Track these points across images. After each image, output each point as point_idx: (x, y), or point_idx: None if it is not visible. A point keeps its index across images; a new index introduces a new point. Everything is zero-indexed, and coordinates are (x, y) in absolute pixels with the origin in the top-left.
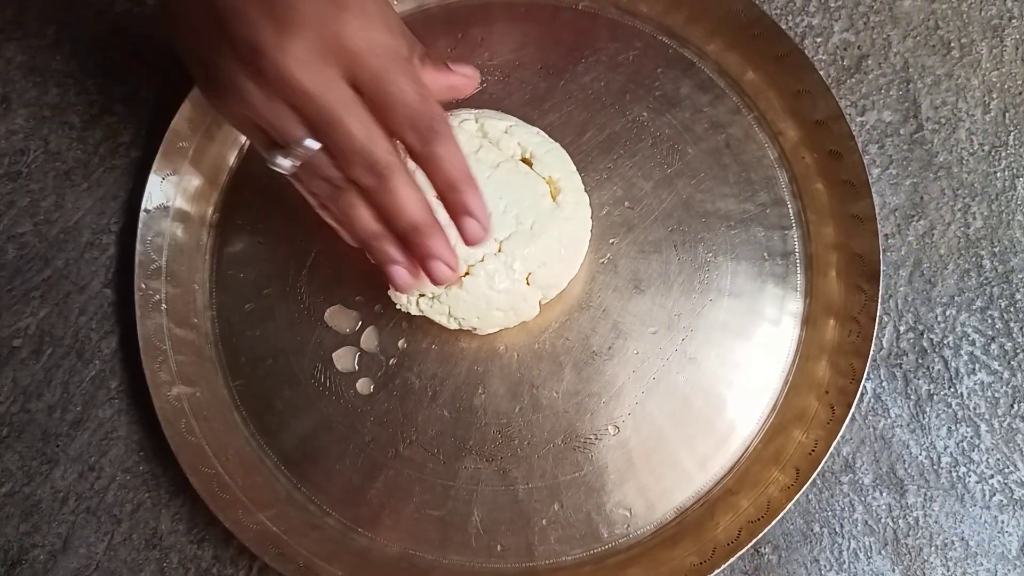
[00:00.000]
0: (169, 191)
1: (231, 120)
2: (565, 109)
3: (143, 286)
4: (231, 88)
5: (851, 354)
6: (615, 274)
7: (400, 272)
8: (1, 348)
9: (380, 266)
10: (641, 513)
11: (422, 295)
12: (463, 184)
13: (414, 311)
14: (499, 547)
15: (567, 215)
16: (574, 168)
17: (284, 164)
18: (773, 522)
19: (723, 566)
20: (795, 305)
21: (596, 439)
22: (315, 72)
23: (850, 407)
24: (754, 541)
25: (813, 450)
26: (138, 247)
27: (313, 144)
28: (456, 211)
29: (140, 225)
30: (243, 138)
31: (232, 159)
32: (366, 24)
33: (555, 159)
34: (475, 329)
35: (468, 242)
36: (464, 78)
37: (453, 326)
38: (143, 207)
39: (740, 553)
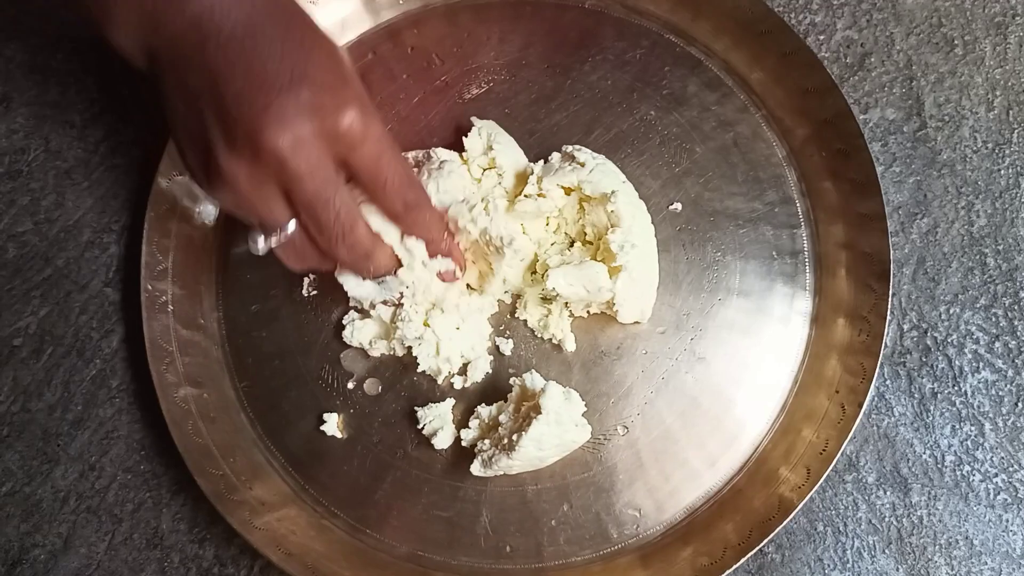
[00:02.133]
0: (174, 192)
1: (224, 205)
2: (572, 108)
3: (149, 287)
4: (223, 175)
5: (861, 353)
6: None
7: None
8: (1, 347)
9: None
10: (651, 513)
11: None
12: (439, 236)
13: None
14: (508, 548)
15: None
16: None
17: (259, 247)
18: (785, 522)
19: (734, 567)
20: (804, 304)
21: (605, 439)
22: (309, 155)
23: (861, 406)
24: (765, 541)
25: (824, 449)
26: (144, 248)
27: (291, 226)
28: (434, 254)
29: (145, 226)
30: None
31: None
32: (363, 113)
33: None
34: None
35: (443, 278)
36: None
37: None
38: (149, 208)
39: (751, 554)
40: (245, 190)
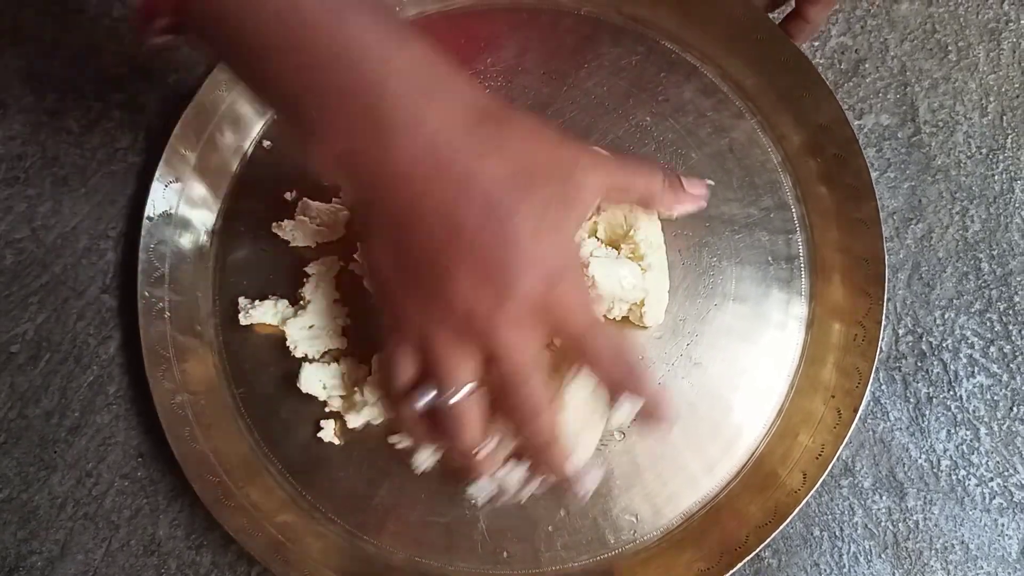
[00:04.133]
0: (172, 199)
1: (395, 357)
2: (568, 115)
3: (146, 294)
4: (419, 335)
5: (857, 357)
6: None
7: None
8: None
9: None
10: (647, 519)
11: None
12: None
13: None
14: (505, 553)
15: None
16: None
17: (421, 403)
18: (781, 527)
19: (730, 572)
20: (800, 309)
21: (602, 444)
22: (521, 330)
23: (857, 411)
24: (762, 546)
25: (820, 454)
26: (141, 255)
27: (467, 389)
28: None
29: (143, 233)
30: (246, 144)
31: (235, 166)
32: (571, 291)
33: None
34: None
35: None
36: (694, 198)
37: None
38: (146, 215)
39: (747, 559)
40: (445, 355)
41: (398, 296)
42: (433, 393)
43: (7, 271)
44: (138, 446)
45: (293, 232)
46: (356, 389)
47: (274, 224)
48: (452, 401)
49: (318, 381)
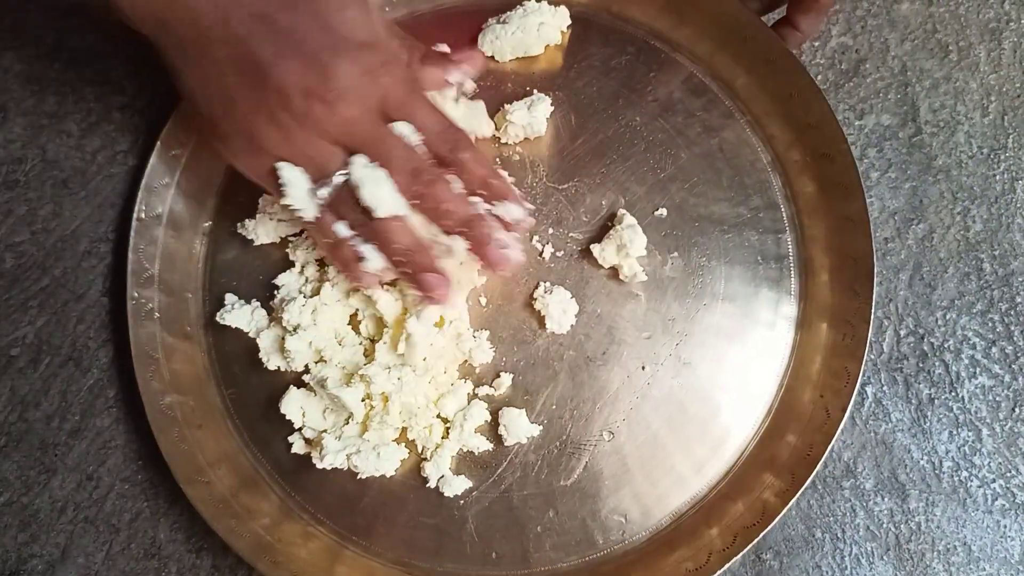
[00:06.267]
0: (162, 199)
1: (255, 170)
2: (558, 115)
3: (136, 295)
4: (274, 134)
5: (846, 357)
6: (609, 279)
7: (437, 281)
8: None
9: (417, 279)
10: (636, 519)
11: None
12: (493, 177)
13: None
14: (494, 554)
15: None
16: None
17: (323, 194)
18: (768, 527)
19: (718, 572)
20: (789, 309)
21: (591, 445)
22: (357, 105)
23: (845, 410)
24: (750, 546)
25: (809, 454)
26: (130, 256)
27: (342, 175)
28: (496, 198)
29: (132, 234)
30: None
31: (225, 167)
32: (389, 65)
33: None
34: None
35: (510, 226)
36: (464, 65)
37: None
38: (135, 216)
39: (735, 559)
40: (300, 144)
41: (230, 105)
42: (318, 187)
43: (7, 274)
44: (138, 449)
45: (256, 230)
46: (326, 431)
47: (238, 225)
48: (339, 183)
49: (299, 408)
